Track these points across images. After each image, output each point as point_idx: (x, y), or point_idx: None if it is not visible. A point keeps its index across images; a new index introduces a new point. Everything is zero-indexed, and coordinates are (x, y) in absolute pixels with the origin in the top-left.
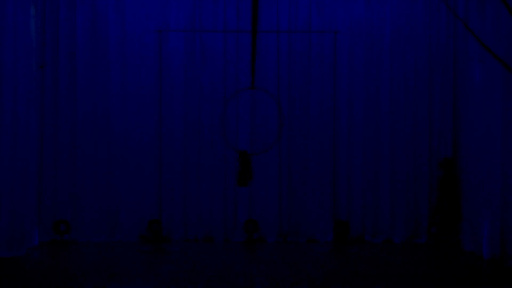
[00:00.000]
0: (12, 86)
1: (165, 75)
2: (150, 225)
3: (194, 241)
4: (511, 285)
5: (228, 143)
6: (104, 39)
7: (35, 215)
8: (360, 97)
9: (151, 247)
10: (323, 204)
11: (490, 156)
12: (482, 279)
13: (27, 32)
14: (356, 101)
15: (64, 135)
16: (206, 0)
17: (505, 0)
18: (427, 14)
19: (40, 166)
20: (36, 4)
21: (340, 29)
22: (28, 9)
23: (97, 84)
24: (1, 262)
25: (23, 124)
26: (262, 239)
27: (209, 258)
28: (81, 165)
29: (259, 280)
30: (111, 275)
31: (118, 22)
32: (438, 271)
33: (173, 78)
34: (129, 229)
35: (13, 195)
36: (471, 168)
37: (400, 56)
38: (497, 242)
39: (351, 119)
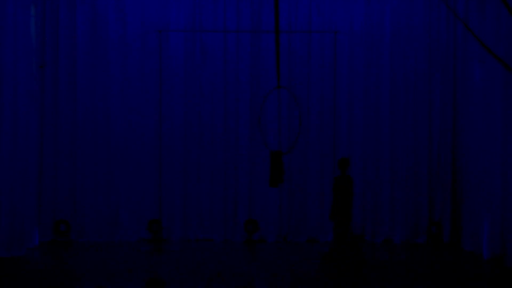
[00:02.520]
0: (12, 86)
1: (165, 75)
2: (150, 225)
3: (194, 241)
4: (511, 285)
5: (264, 142)
6: (104, 39)
7: (35, 215)
8: (360, 97)
9: (151, 247)
10: (323, 204)
11: (490, 156)
12: (482, 279)
13: (27, 32)
14: (356, 101)
15: (64, 135)
16: (206, 0)
17: (505, 0)
18: (427, 14)
19: (40, 166)
20: (36, 4)
21: (340, 29)
22: (28, 9)
23: (97, 84)
24: (1, 262)
25: (23, 124)
26: (262, 239)
27: (209, 258)
28: (81, 165)
29: (259, 280)
30: (111, 275)
31: (118, 22)
32: (438, 271)
33: (173, 78)
34: (129, 229)
35: (13, 195)
36: (471, 168)
37: (400, 56)
38: (497, 242)
39: (351, 119)
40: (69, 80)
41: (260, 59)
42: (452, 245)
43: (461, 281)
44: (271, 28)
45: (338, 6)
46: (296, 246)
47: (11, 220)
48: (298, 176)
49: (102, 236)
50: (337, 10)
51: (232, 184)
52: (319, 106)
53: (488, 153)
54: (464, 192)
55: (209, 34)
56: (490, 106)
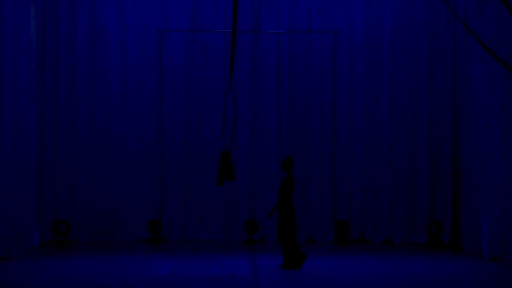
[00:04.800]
0: (12, 86)
1: (165, 74)
2: (150, 225)
3: (194, 241)
4: (511, 285)
5: (224, 143)
6: (104, 39)
7: (35, 215)
8: (360, 97)
9: (151, 247)
10: (323, 204)
11: (490, 156)
12: (482, 279)
13: (27, 32)
14: (356, 101)
15: (64, 135)
16: (206, 0)
17: (505, 0)
18: (427, 14)
19: (40, 166)
20: (36, 4)
21: (340, 29)
22: (28, 9)
23: (97, 84)
24: (1, 262)
25: (23, 124)
26: (262, 239)
27: (209, 258)
28: (81, 165)
29: (260, 280)
30: (111, 275)
31: (118, 22)
32: (437, 271)
33: (173, 77)
34: (129, 229)
35: (13, 195)
36: (471, 168)
37: (400, 56)
38: (497, 242)
39: (351, 119)
40: (69, 80)
41: (260, 59)
42: (452, 245)
43: (461, 281)
44: (271, 28)
45: (338, 6)
46: None
47: (11, 220)
48: (298, 176)
49: (102, 236)
50: (337, 10)
51: (232, 184)
52: (319, 106)
53: (488, 153)
54: (464, 192)
55: (209, 34)
56: (490, 106)
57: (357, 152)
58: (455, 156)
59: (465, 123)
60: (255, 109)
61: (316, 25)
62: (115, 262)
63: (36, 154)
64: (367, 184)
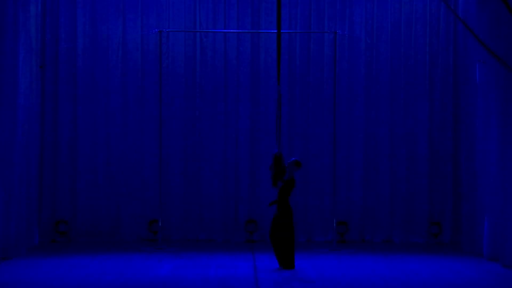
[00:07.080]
0: (12, 86)
1: (165, 74)
2: (150, 225)
3: (194, 241)
4: (511, 285)
5: (278, 144)
6: (104, 39)
7: (35, 215)
8: (360, 97)
9: (151, 247)
10: (323, 204)
11: (490, 156)
12: (482, 279)
13: (27, 32)
14: (356, 101)
15: (64, 135)
16: (206, 0)
17: (505, 0)
18: (427, 14)
19: (41, 166)
20: (36, 4)
21: (340, 29)
22: (28, 9)
23: (97, 84)
24: (1, 262)
25: (23, 124)
26: (263, 239)
27: (209, 258)
28: (81, 165)
29: (260, 280)
30: (111, 275)
31: (118, 22)
32: (437, 271)
33: (173, 78)
34: (129, 229)
35: (13, 195)
36: (471, 168)
37: (400, 56)
38: (497, 242)
39: (351, 119)
40: (69, 80)
41: (260, 59)
42: (452, 245)
43: (461, 281)
44: (271, 28)
45: (338, 6)
46: (296, 246)
47: (10, 220)
48: (298, 176)
49: (102, 236)
50: (337, 10)
51: (232, 184)
52: (319, 106)
53: (487, 153)
54: (464, 192)
55: (209, 34)
56: (490, 106)
57: (357, 152)
58: (455, 156)
59: (465, 123)
60: (255, 109)
61: (316, 25)
62: (115, 262)
63: (36, 154)
64: (367, 184)
